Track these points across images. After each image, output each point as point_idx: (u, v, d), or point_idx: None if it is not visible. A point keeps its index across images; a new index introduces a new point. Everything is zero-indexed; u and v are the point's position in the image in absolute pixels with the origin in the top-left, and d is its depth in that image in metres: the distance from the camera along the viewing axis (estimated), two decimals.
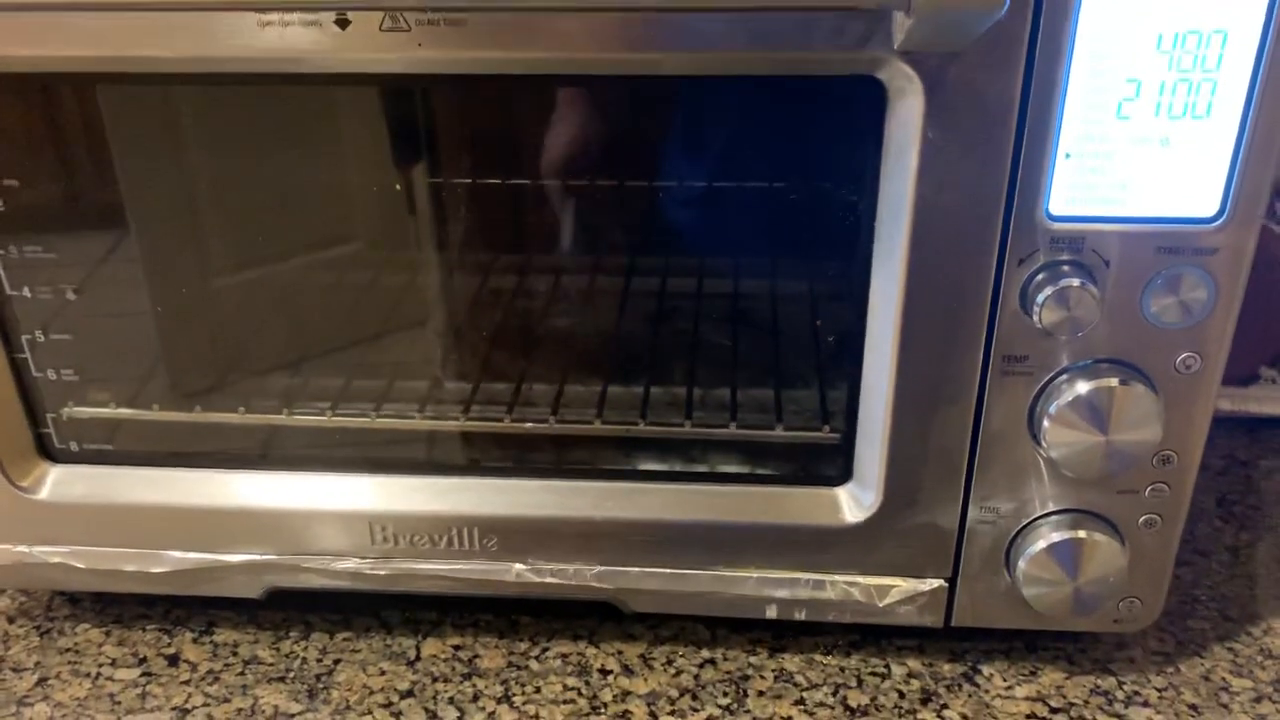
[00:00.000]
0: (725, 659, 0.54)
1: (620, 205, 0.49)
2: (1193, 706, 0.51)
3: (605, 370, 0.51)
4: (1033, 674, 0.52)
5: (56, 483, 0.52)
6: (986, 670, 0.53)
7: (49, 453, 0.53)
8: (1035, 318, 0.43)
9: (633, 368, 0.51)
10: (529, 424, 0.51)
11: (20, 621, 0.57)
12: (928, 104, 0.40)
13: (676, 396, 0.51)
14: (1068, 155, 0.41)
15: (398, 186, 0.47)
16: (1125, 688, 0.52)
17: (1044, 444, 0.45)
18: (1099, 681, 0.52)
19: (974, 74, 0.39)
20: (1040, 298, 0.42)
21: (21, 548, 0.53)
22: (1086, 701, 0.51)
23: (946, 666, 0.53)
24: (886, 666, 0.53)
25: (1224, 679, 0.52)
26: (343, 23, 0.40)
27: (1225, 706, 0.51)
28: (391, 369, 0.52)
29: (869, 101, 0.41)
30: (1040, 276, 0.43)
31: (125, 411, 0.52)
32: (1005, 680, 0.52)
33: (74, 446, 0.52)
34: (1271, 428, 0.69)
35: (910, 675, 0.53)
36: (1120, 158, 0.41)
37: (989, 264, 0.43)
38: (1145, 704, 0.51)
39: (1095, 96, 0.40)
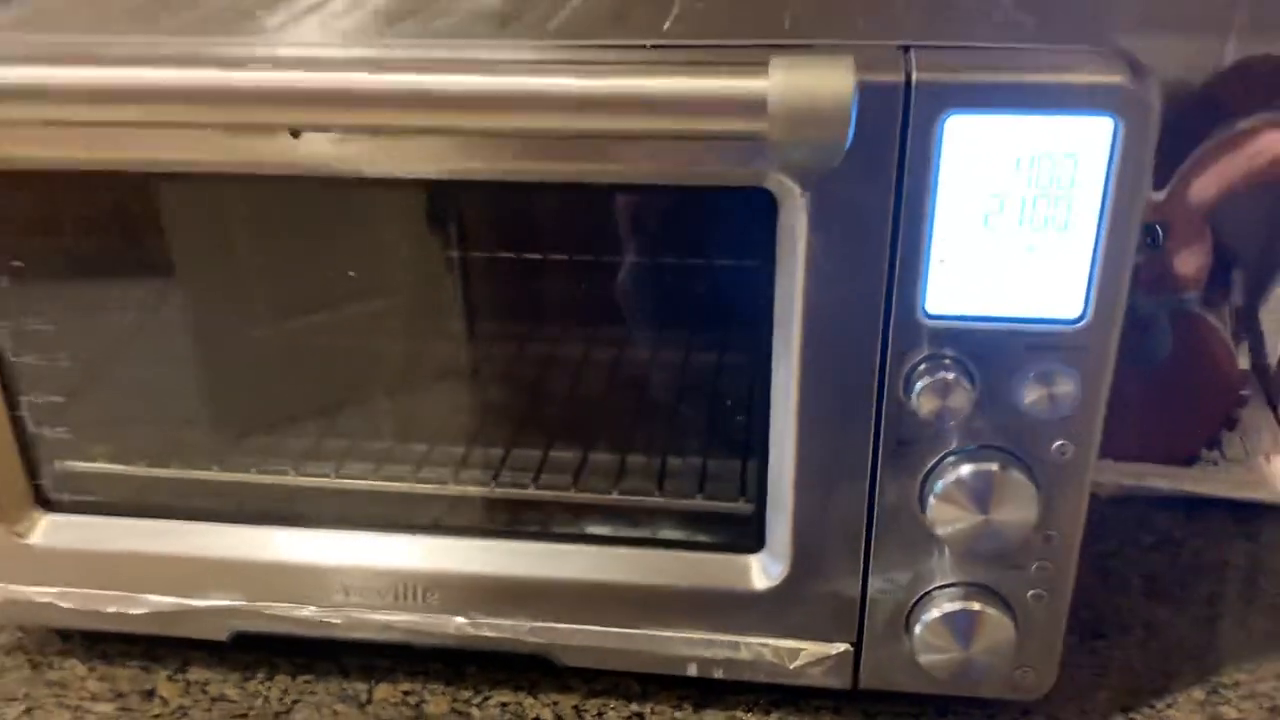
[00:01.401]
0: (653, 713, 0.57)
1: (562, 301, 0.54)
2: None
3: (542, 440, 0.56)
4: None
5: (48, 529, 0.58)
6: None
7: (43, 501, 0.58)
8: (914, 406, 0.47)
9: (568, 439, 0.56)
10: (471, 487, 0.56)
11: (15, 654, 0.62)
12: (810, 213, 0.45)
13: (608, 466, 0.56)
14: (941, 260, 0.45)
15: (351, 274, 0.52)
16: None
17: (930, 521, 0.49)
18: None
19: (850, 188, 0.44)
20: (919, 387, 0.46)
21: (15, 587, 0.58)
22: None
23: None
24: None
25: None
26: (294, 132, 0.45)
27: None
28: (347, 435, 0.57)
29: (763, 209, 0.46)
30: (920, 368, 0.47)
31: (112, 467, 0.58)
32: None
33: (65, 497, 0.58)
34: (1206, 509, 0.72)
35: None
36: (989, 264, 0.45)
37: (874, 357, 0.47)
38: None
39: (963, 209, 0.44)
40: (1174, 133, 0.69)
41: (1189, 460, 0.74)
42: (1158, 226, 0.68)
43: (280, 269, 0.54)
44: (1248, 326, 0.86)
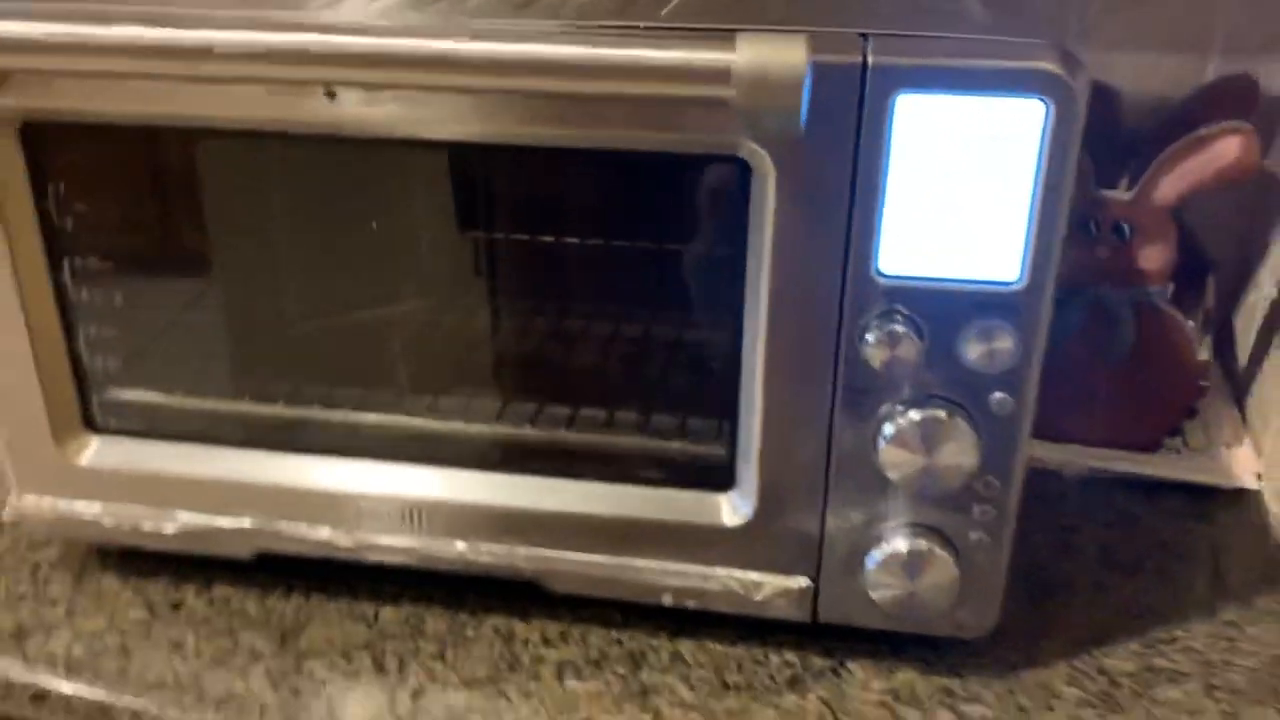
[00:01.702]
0: (630, 639, 0.63)
1: (565, 264, 0.59)
2: (1021, 707, 0.59)
3: (541, 390, 0.62)
4: (891, 672, 0.61)
5: (95, 451, 0.64)
6: (852, 666, 0.61)
7: (92, 426, 0.65)
8: (868, 358, 0.52)
9: (564, 389, 0.62)
10: (476, 426, 0.62)
11: (59, 568, 0.68)
12: (778, 181, 0.50)
13: (599, 414, 0.61)
14: (893, 225, 0.51)
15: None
16: (968, 688, 0.60)
17: (881, 464, 0.54)
18: (947, 682, 0.60)
19: (813, 158, 0.50)
20: (870, 340, 0.52)
21: (63, 503, 0.65)
22: (931, 697, 0.59)
23: (818, 660, 0.62)
24: (766, 656, 0.62)
25: (1057, 687, 0.60)
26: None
27: (1050, 709, 0.58)
28: (366, 378, 0.63)
29: (740, 176, 0.52)
30: (874, 324, 0.52)
31: (154, 396, 0.64)
32: (865, 675, 0.61)
33: (111, 422, 0.65)
34: (1166, 492, 0.76)
35: (785, 664, 0.61)
36: (936, 229, 0.51)
37: (833, 312, 0.53)
38: (981, 703, 0.59)
39: (912, 179, 0.50)
40: (1153, 144, 0.75)
41: (1153, 447, 0.79)
42: (1124, 224, 0.73)
43: (310, 226, 0.61)
44: (1220, 329, 0.91)
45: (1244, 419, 0.83)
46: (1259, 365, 0.83)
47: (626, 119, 0.51)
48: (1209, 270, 0.88)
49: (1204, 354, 0.77)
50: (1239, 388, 0.86)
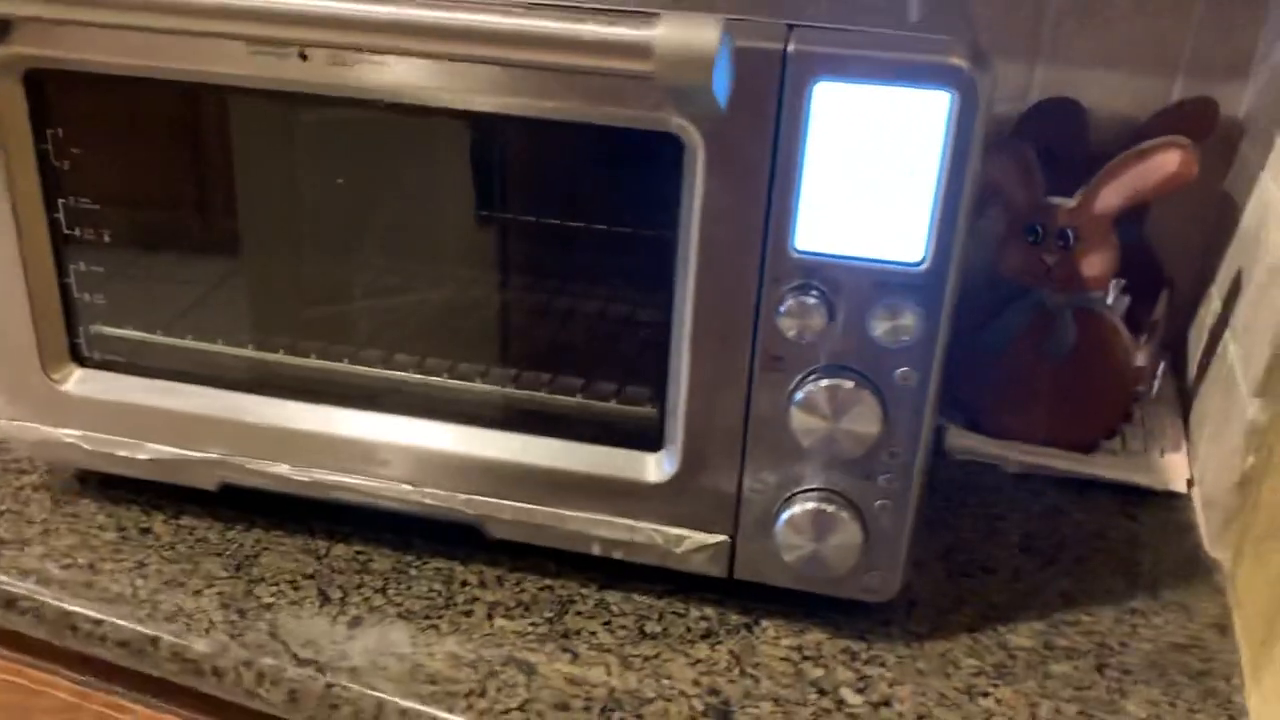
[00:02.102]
0: (562, 587, 0.67)
1: (521, 233, 0.64)
2: (920, 671, 0.62)
3: (490, 353, 0.66)
4: (801, 631, 0.64)
5: (78, 380, 0.69)
6: (765, 624, 0.65)
7: (77, 357, 0.70)
8: (783, 328, 0.56)
9: (512, 351, 0.66)
10: (428, 379, 0.66)
11: (40, 491, 0.73)
12: (705, 157, 0.55)
13: (544, 376, 0.65)
14: (810, 204, 0.55)
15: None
16: (871, 651, 0.63)
17: (793, 428, 0.58)
18: (853, 645, 0.64)
19: (737, 137, 0.54)
20: (785, 311, 0.56)
21: (46, 428, 0.70)
22: (835, 656, 0.63)
23: (734, 616, 0.65)
24: (687, 610, 0.66)
25: (956, 657, 0.63)
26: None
27: (947, 675, 0.62)
28: (330, 329, 0.67)
29: (674, 152, 0.56)
30: (789, 296, 0.56)
31: (134, 333, 0.69)
32: (777, 633, 0.64)
33: (95, 355, 0.69)
34: (1099, 491, 0.80)
35: (703, 618, 0.65)
36: (848, 210, 0.54)
37: (753, 283, 0.57)
38: (882, 665, 0.62)
39: (827, 161, 0.54)
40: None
41: (1091, 448, 0.82)
42: (1069, 231, 0.77)
43: (286, 180, 0.65)
44: (1176, 343, 0.94)
45: (1186, 429, 0.86)
46: (1203, 377, 0.86)
47: (574, 96, 0.55)
48: (1163, 285, 0.91)
49: (1141, 360, 0.80)
50: (1186, 399, 0.89)
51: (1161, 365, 0.92)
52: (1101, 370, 0.79)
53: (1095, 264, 0.77)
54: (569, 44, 0.49)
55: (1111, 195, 0.76)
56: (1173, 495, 0.80)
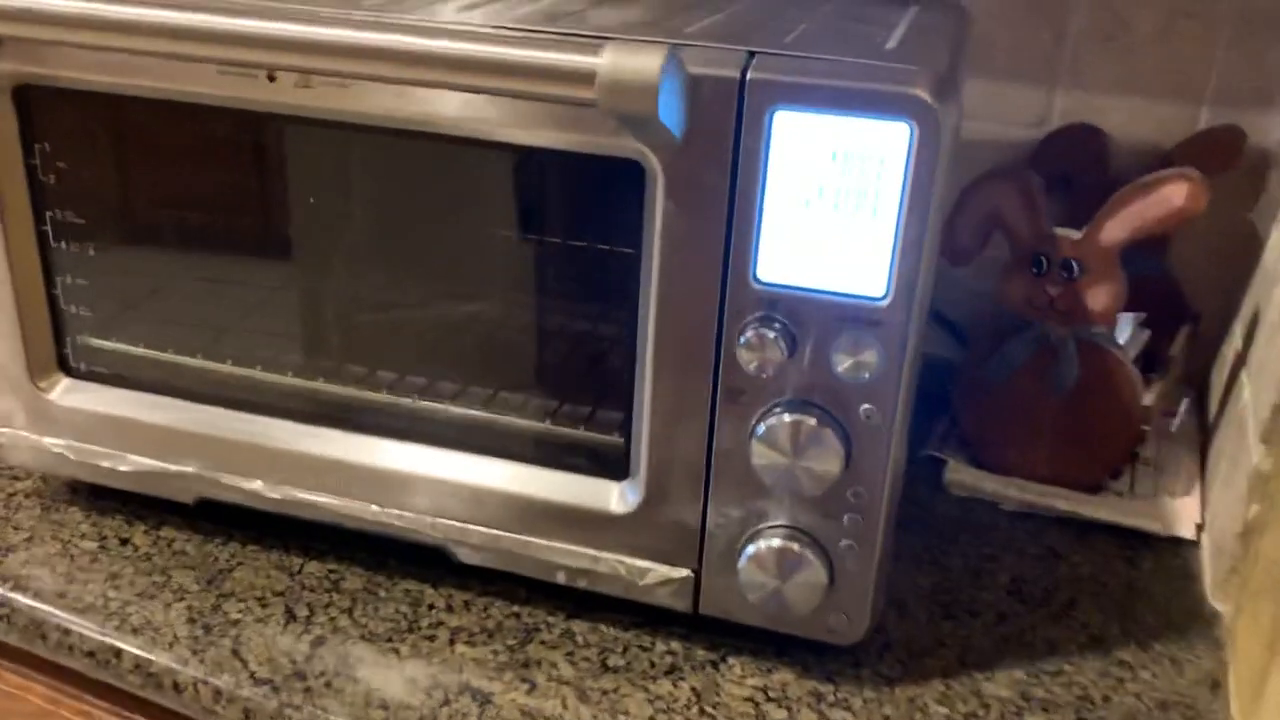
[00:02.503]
0: (529, 615, 0.66)
1: (498, 252, 0.63)
2: (885, 716, 0.60)
3: (461, 372, 0.65)
4: (769, 671, 0.63)
5: (65, 390, 0.70)
6: (732, 661, 0.63)
7: (65, 367, 0.71)
8: (742, 360, 0.55)
9: (481, 373, 0.65)
10: (399, 399, 0.66)
11: (32, 498, 0.74)
12: (665, 185, 0.53)
13: (515, 399, 0.65)
14: (770, 234, 0.53)
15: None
16: (838, 694, 0.61)
17: (754, 462, 0.57)
18: (819, 686, 0.62)
19: (695, 166, 0.53)
20: (743, 341, 0.55)
21: (34, 436, 0.71)
22: (800, 699, 0.61)
23: (701, 652, 0.64)
24: (653, 644, 0.64)
25: (925, 704, 0.61)
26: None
27: None
28: (299, 347, 0.67)
29: (637, 178, 0.55)
30: (750, 328, 0.55)
31: (117, 345, 0.70)
32: (743, 671, 0.63)
33: (81, 366, 0.70)
34: (1099, 533, 0.77)
35: (668, 652, 0.64)
36: (810, 242, 0.53)
37: (713, 313, 0.55)
38: (848, 709, 0.60)
39: (788, 192, 0.52)
40: None
41: (1095, 488, 0.79)
42: (1073, 262, 0.74)
43: (269, 197, 0.65)
44: (1199, 378, 0.90)
45: (1203, 471, 0.82)
46: (1222, 417, 0.83)
47: (542, 125, 0.55)
48: (1186, 319, 0.88)
49: (1149, 399, 0.77)
50: (1207, 438, 0.85)
51: (1185, 402, 0.89)
52: (1106, 407, 0.76)
53: (1100, 297, 0.74)
54: (513, 70, 0.48)
55: (1117, 228, 0.73)
56: (1179, 541, 0.76)
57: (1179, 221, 0.71)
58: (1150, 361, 0.82)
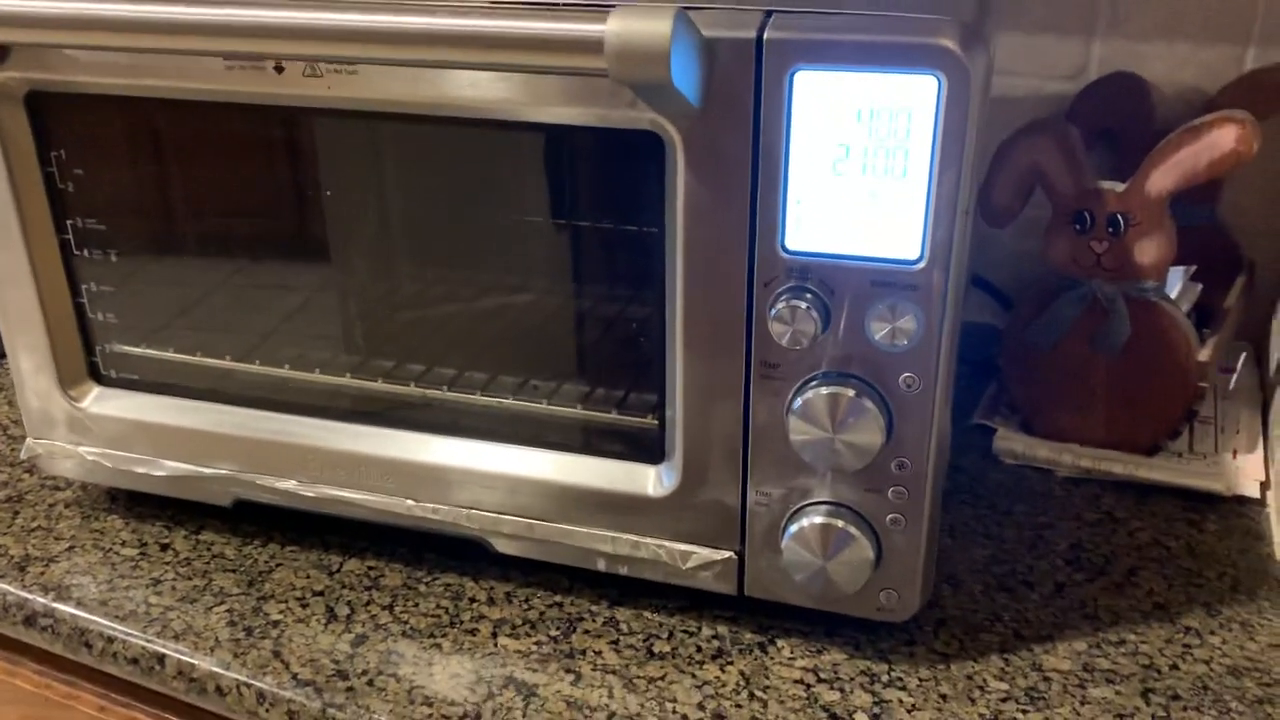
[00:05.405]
0: (572, 604, 0.65)
1: (522, 237, 0.62)
2: (943, 695, 0.58)
3: (491, 362, 0.64)
4: (819, 652, 0.61)
5: (97, 398, 0.70)
6: (781, 643, 0.62)
7: (96, 375, 0.70)
8: (775, 333, 0.53)
9: (512, 363, 0.64)
10: (433, 392, 0.65)
11: (72, 507, 0.74)
12: (685, 155, 0.52)
13: (543, 386, 0.63)
14: (797, 201, 0.51)
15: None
16: (892, 673, 0.59)
17: (789, 436, 0.55)
18: (873, 666, 0.60)
19: (716, 134, 0.51)
20: (775, 314, 0.53)
21: (70, 446, 0.71)
22: (853, 679, 0.59)
23: (748, 635, 0.62)
24: (698, 627, 0.63)
25: (984, 680, 0.59)
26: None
27: (972, 700, 0.58)
28: (330, 345, 0.66)
29: (657, 151, 0.53)
30: (780, 298, 0.53)
31: (147, 351, 0.69)
32: (792, 653, 0.61)
33: (112, 373, 0.70)
34: (1159, 496, 0.74)
35: (715, 637, 0.62)
36: (839, 206, 0.51)
37: (742, 286, 0.53)
38: (903, 688, 0.59)
39: (813, 156, 0.50)
40: None
41: (1152, 449, 0.76)
42: (1120, 216, 0.71)
43: (285, 194, 0.64)
44: (1256, 331, 0.87)
45: (1265, 426, 0.79)
46: None
47: (555, 100, 0.53)
48: (1240, 270, 0.84)
49: (1206, 354, 0.74)
50: (1268, 393, 0.82)
51: (1243, 356, 0.85)
52: (1160, 365, 0.74)
53: (1149, 250, 0.71)
54: (519, 43, 0.46)
55: (1163, 177, 0.70)
56: (1243, 500, 0.73)
57: (1230, 166, 0.68)
58: (1204, 316, 0.79)
